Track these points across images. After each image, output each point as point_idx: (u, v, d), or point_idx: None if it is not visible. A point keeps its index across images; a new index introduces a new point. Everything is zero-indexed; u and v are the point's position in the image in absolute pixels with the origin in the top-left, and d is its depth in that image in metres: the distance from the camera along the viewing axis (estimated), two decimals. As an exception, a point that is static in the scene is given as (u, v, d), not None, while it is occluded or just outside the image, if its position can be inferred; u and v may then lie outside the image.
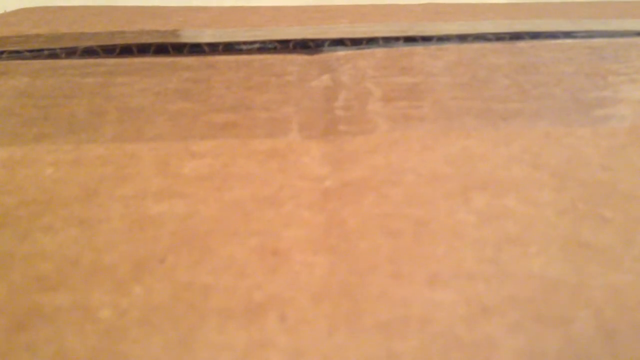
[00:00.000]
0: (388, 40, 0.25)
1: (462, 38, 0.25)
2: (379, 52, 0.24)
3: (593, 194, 0.14)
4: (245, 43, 0.25)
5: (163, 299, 0.12)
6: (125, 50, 0.25)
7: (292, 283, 0.12)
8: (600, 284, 0.12)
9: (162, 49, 0.25)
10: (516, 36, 0.25)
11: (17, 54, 0.24)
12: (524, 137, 0.17)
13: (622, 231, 0.13)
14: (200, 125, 0.18)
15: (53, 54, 0.24)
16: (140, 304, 0.12)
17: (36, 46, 0.25)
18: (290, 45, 0.25)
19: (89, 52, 0.24)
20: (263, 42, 0.25)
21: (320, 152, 0.16)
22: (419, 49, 0.24)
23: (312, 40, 0.25)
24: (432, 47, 0.24)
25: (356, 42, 0.25)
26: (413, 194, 0.15)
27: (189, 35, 0.26)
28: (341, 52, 0.24)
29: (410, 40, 0.25)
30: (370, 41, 0.25)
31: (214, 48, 0.25)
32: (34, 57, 0.24)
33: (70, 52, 0.24)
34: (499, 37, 0.26)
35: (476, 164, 0.15)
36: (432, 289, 0.12)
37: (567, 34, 0.26)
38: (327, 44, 0.25)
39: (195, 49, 0.25)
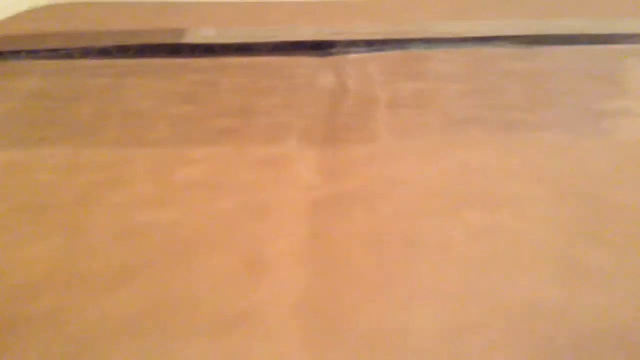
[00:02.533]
0: (403, 42, 0.25)
1: (481, 40, 0.25)
2: (391, 55, 0.24)
3: (591, 209, 0.14)
4: (258, 45, 0.25)
5: (140, 310, 0.12)
6: (140, 52, 0.25)
7: (271, 296, 0.12)
8: (585, 306, 0.12)
9: (175, 51, 0.25)
10: (536, 40, 0.25)
11: (34, 54, 0.25)
12: (527, 149, 0.16)
13: (616, 250, 0.13)
14: (200, 130, 0.18)
15: (68, 54, 0.24)
16: (122, 311, 0.12)
17: (54, 45, 0.25)
18: (302, 47, 0.25)
19: (104, 53, 0.25)
20: (276, 44, 0.25)
21: (316, 161, 0.16)
22: (432, 52, 0.24)
23: (325, 42, 0.25)
24: (447, 51, 0.24)
25: (370, 44, 0.25)
26: (403, 209, 0.14)
27: (203, 36, 0.26)
28: (353, 55, 0.23)
29: (426, 42, 0.25)
30: (385, 42, 0.25)
31: (227, 49, 0.25)
32: (50, 57, 0.24)
33: (85, 53, 0.24)
34: (518, 40, 0.25)
35: (473, 178, 0.15)
36: (410, 307, 0.12)
37: (589, 38, 0.25)
38: (340, 45, 0.25)
39: (209, 49, 0.25)
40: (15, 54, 0.24)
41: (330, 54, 0.24)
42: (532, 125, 0.18)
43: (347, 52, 0.25)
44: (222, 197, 0.15)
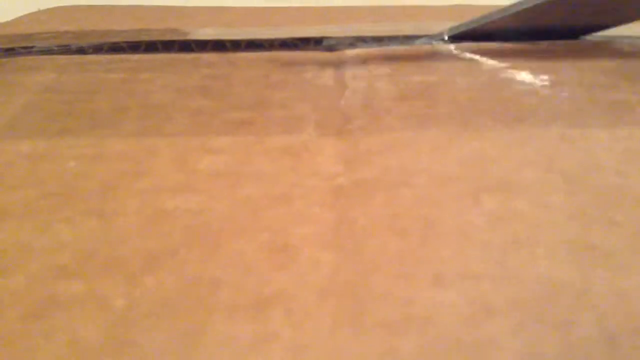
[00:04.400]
0: (408, 38, 0.25)
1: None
2: (398, 50, 0.24)
3: (604, 198, 0.14)
4: (266, 40, 0.25)
5: (173, 291, 0.12)
6: (150, 48, 0.25)
7: (299, 279, 0.13)
8: (605, 288, 0.12)
9: (185, 47, 0.25)
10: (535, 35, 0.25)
11: (46, 50, 0.25)
12: (539, 139, 0.17)
13: (631, 236, 0.13)
14: (219, 122, 0.18)
15: (80, 50, 0.25)
16: (151, 295, 0.12)
17: (65, 42, 0.26)
18: (311, 43, 0.25)
19: (115, 49, 0.25)
20: (284, 40, 0.25)
21: (334, 150, 0.16)
22: (438, 46, 0.24)
23: (332, 38, 0.25)
24: (452, 46, 0.24)
25: (377, 40, 0.25)
26: (423, 195, 0.15)
27: (212, 33, 0.26)
28: (360, 50, 0.24)
29: (429, 38, 0.25)
30: (391, 39, 0.26)
31: (236, 45, 0.25)
32: (62, 53, 0.25)
33: (97, 48, 0.25)
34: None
35: (488, 166, 0.15)
36: (436, 289, 0.12)
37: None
38: (347, 41, 0.25)
39: (218, 46, 0.25)
40: (27, 50, 0.25)
41: (338, 49, 0.25)
42: (542, 116, 0.18)
43: (354, 47, 0.25)
44: (245, 184, 0.15)
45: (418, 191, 0.15)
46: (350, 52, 0.24)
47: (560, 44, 0.24)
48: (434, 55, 0.24)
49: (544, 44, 0.24)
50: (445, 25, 0.26)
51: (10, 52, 0.25)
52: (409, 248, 0.13)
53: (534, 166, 0.15)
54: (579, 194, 0.15)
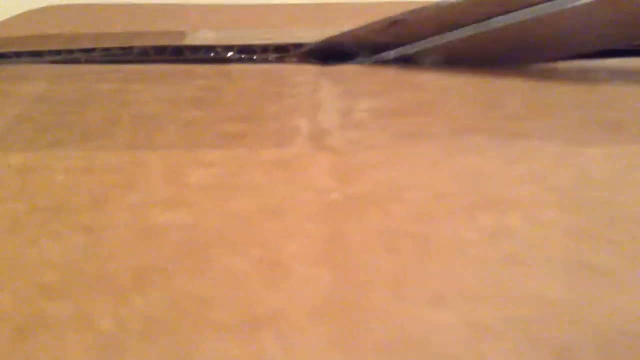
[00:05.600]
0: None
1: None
2: (392, 66, 0.24)
3: (600, 215, 0.14)
4: (260, 46, 0.25)
5: (162, 310, 0.12)
6: (143, 52, 0.25)
7: (291, 298, 0.12)
8: (602, 307, 0.12)
9: (178, 51, 0.25)
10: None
11: (37, 56, 0.25)
12: (534, 156, 0.17)
13: (628, 254, 0.13)
14: (211, 134, 0.18)
15: (72, 58, 0.24)
16: (139, 315, 0.12)
17: (56, 47, 0.25)
18: (305, 52, 0.25)
19: (107, 55, 0.25)
20: (277, 46, 0.25)
21: (327, 164, 0.16)
22: (431, 67, 0.24)
23: (327, 49, 0.25)
24: (445, 66, 0.24)
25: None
26: (417, 211, 0.14)
27: (205, 38, 0.26)
28: (353, 65, 0.23)
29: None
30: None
31: (229, 49, 0.25)
32: (53, 60, 0.24)
33: (89, 57, 0.24)
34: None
35: (483, 183, 0.15)
36: (432, 309, 0.12)
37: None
38: (341, 53, 0.25)
39: (211, 51, 0.25)
40: (18, 56, 0.24)
41: (332, 63, 0.24)
42: (536, 134, 0.18)
43: (348, 61, 0.25)
44: (237, 199, 0.15)
45: (411, 207, 0.15)
46: (344, 67, 0.23)
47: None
48: (427, 73, 0.23)
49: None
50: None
51: (0, 58, 0.24)
52: (403, 265, 0.13)
53: (528, 182, 0.15)
54: (574, 211, 0.14)
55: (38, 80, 0.22)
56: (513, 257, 0.13)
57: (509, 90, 0.20)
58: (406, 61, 0.24)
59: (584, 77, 0.22)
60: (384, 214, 0.14)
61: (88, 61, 0.24)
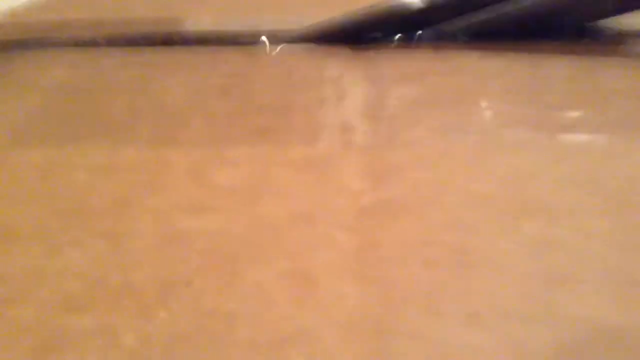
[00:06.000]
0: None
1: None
2: (427, 48, 0.23)
3: None
4: (287, 31, 0.24)
5: (187, 326, 0.12)
6: (167, 40, 0.24)
7: (321, 315, 0.12)
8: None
9: (203, 41, 0.24)
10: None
11: (59, 42, 0.24)
12: (580, 153, 0.15)
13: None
14: (237, 128, 0.17)
15: (94, 43, 0.24)
16: (164, 330, 0.12)
17: (78, 33, 0.25)
18: (334, 36, 0.24)
19: (130, 42, 0.24)
20: (304, 32, 0.24)
21: (358, 163, 0.15)
22: (466, 47, 0.23)
23: (356, 31, 0.24)
24: (485, 45, 0.23)
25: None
26: (454, 217, 0.14)
27: (230, 24, 0.25)
28: (386, 47, 0.22)
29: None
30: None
31: (255, 38, 0.24)
32: (75, 45, 0.24)
33: (111, 41, 0.24)
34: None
35: (525, 185, 0.14)
36: (470, 329, 0.11)
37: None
38: (372, 35, 0.24)
39: (236, 39, 0.24)
40: (39, 42, 0.24)
41: (363, 46, 0.23)
42: (585, 126, 0.17)
43: (379, 43, 0.23)
44: (265, 203, 0.14)
45: (448, 213, 0.14)
46: (376, 50, 0.22)
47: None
48: (464, 56, 0.22)
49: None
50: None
51: (21, 44, 0.24)
52: (439, 280, 0.12)
53: (573, 185, 0.14)
54: (625, 219, 0.13)
55: (59, 66, 0.22)
56: (560, 273, 0.12)
57: (552, 76, 0.19)
58: (439, 39, 0.23)
59: (634, 61, 0.20)
60: (418, 221, 0.14)
61: (109, 44, 0.23)
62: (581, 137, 0.16)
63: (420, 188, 0.14)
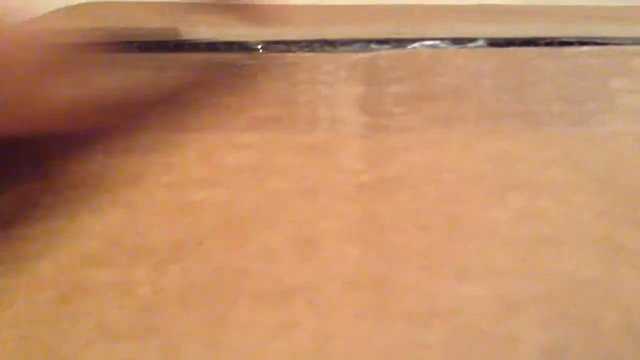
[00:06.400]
0: (433, 41, 0.25)
1: (510, 42, 0.25)
2: (425, 52, 0.24)
3: (631, 198, 0.14)
4: (294, 43, 0.26)
5: (198, 279, 0.13)
6: (178, 46, 0.26)
7: (323, 271, 0.13)
8: (632, 285, 0.12)
9: (212, 47, 0.26)
10: (566, 42, 0.25)
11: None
12: (565, 140, 0.17)
13: (658, 235, 0.13)
14: (245, 118, 0.18)
15: (109, 48, 0.25)
16: (176, 283, 0.12)
17: (92, 40, 0.26)
18: (337, 44, 0.25)
19: (144, 48, 0.25)
20: (309, 41, 0.26)
21: (359, 148, 0.16)
22: (465, 51, 0.24)
23: (358, 40, 0.25)
24: (479, 50, 0.24)
25: (401, 42, 0.26)
26: (448, 192, 0.15)
27: (239, 34, 0.27)
28: (386, 52, 0.24)
29: (456, 42, 0.25)
30: (415, 41, 0.26)
31: (258, 46, 0.25)
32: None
33: (126, 47, 0.25)
34: (547, 42, 0.25)
35: (515, 165, 0.15)
36: (460, 283, 0.12)
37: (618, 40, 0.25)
38: (372, 43, 0.25)
39: (245, 46, 0.26)
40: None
41: (364, 51, 0.25)
42: (568, 118, 0.18)
43: (380, 49, 0.25)
44: (271, 179, 0.15)
45: (443, 189, 0.15)
46: (376, 54, 0.24)
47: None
48: (460, 58, 0.23)
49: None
50: (469, 27, 0.26)
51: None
52: (433, 242, 0.13)
53: (560, 166, 0.15)
54: (604, 193, 0.14)
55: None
56: (543, 237, 0.13)
57: (542, 75, 0.20)
58: (433, 47, 0.24)
59: (619, 61, 0.22)
60: (415, 196, 0.15)
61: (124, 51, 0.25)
62: (566, 128, 0.17)
63: (415, 168, 0.16)
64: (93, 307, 0.12)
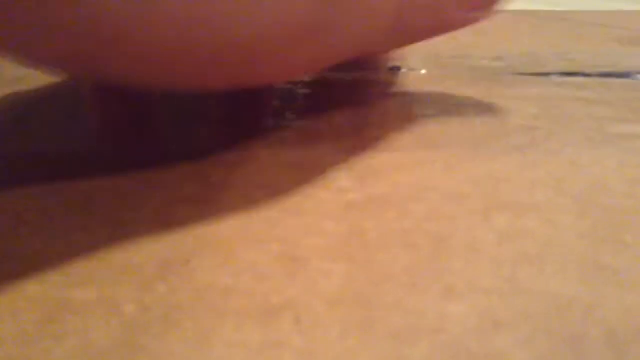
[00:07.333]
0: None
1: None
2: (421, 74, 0.25)
3: (615, 219, 0.15)
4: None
5: (185, 297, 0.13)
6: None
7: (309, 288, 0.13)
8: (615, 304, 0.12)
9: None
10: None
11: None
12: (550, 163, 0.17)
13: (639, 255, 0.13)
14: (234, 133, 0.18)
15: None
16: (163, 301, 0.12)
17: None
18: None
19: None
20: None
21: (346, 166, 0.17)
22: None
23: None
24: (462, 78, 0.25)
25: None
26: (434, 211, 0.15)
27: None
28: (374, 75, 0.24)
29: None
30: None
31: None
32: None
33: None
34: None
35: (498, 186, 0.16)
36: (446, 301, 0.12)
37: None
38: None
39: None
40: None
41: (359, 70, 0.25)
42: (553, 142, 0.18)
43: (370, 71, 0.25)
44: (258, 196, 0.15)
45: (429, 207, 0.15)
46: (367, 73, 0.24)
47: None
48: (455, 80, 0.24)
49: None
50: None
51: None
52: (419, 261, 0.13)
53: (544, 187, 0.16)
54: (588, 215, 0.15)
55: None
56: (527, 256, 0.13)
57: (522, 102, 0.21)
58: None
59: (600, 87, 0.22)
60: (401, 214, 0.15)
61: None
62: (550, 150, 0.17)
63: (402, 188, 0.16)
64: (78, 326, 0.12)
